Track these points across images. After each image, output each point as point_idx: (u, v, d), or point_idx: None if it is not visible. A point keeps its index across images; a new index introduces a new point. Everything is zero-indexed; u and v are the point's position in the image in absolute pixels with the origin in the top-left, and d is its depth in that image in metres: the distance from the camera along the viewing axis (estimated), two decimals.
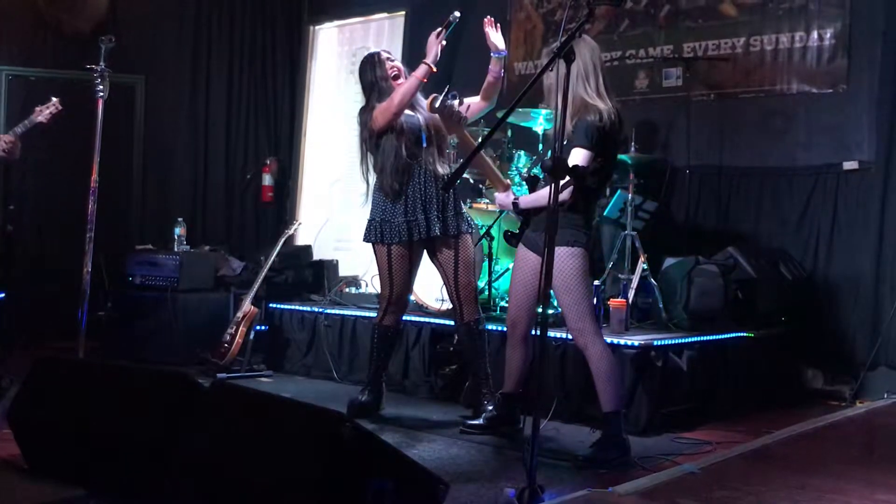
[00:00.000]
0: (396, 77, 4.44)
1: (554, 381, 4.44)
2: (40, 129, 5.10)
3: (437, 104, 4.02)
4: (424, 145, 4.35)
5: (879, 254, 5.29)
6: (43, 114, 4.99)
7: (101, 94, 4.56)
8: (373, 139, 4.36)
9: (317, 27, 8.11)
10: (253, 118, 7.87)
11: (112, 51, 4.71)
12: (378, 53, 4.52)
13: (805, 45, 5.72)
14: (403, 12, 7.35)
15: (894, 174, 5.27)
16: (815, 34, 5.69)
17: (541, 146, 5.64)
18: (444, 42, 4.30)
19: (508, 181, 4.23)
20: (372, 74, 4.42)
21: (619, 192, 5.40)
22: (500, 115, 4.02)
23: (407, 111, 4.35)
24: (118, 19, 7.06)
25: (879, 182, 5.33)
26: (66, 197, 6.50)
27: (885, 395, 4.81)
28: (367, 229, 4.45)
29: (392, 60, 4.49)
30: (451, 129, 4.25)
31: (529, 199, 3.92)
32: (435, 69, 4.28)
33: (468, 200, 5.34)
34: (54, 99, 5.00)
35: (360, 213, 4.77)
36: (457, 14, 4.28)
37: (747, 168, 5.86)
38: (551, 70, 3.40)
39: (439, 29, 4.30)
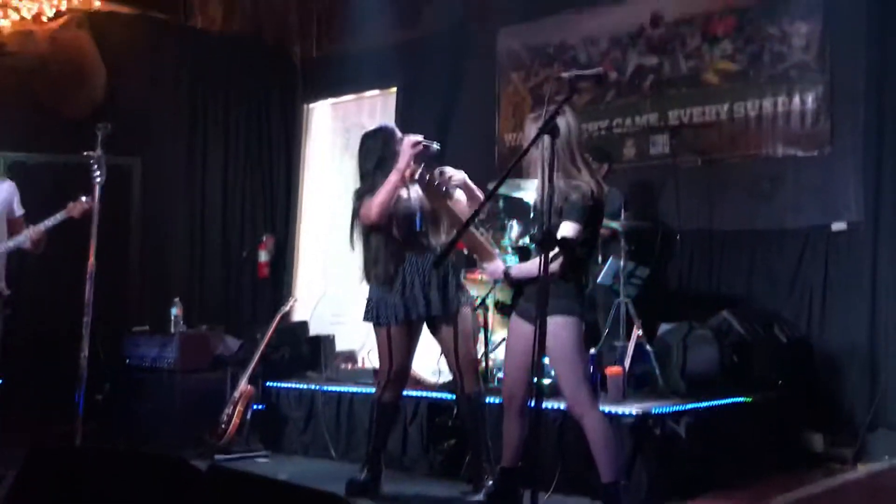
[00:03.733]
0: None
1: (553, 453, 4.41)
2: (68, 223, 5.16)
3: (417, 176, 4.04)
4: (419, 229, 4.35)
5: (873, 314, 5.31)
6: (76, 209, 5.06)
7: (99, 179, 4.62)
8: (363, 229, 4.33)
9: (311, 105, 8.26)
10: (249, 195, 7.97)
11: (108, 134, 4.79)
12: (395, 129, 4.43)
13: (788, 109, 5.82)
14: (395, 89, 7.50)
15: (883, 233, 5.32)
16: (797, 98, 5.80)
17: (532, 215, 5.68)
18: (419, 148, 4.21)
19: (497, 251, 4.23)
20: (388, 148, 4.30)
21: (611, 259, 5.44)
22: (490, 186, 4.10)
23: (401, 194, 4.30)
24: (115, 102, 7.19)
25: (869, 242, 5.38)
26: (64, 279, 6.54)
27: (886, 458, 4.78)
28: (366, 309, 4.43)
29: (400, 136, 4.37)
30: (434, 202, 4.22)
31: (521, 269, 3.94)
32: (407, 175, 4.22)
33: (462, 271, 5.37)
34: (84, 197, 5.06)
35: (356, 286, 4.78)
36: (437, 146, 4.29)
37: (737, 231, 5.92)
38: (536, 146, 3.46)
39: (418, 141, 4.22)
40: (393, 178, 4.20)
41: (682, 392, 4.90)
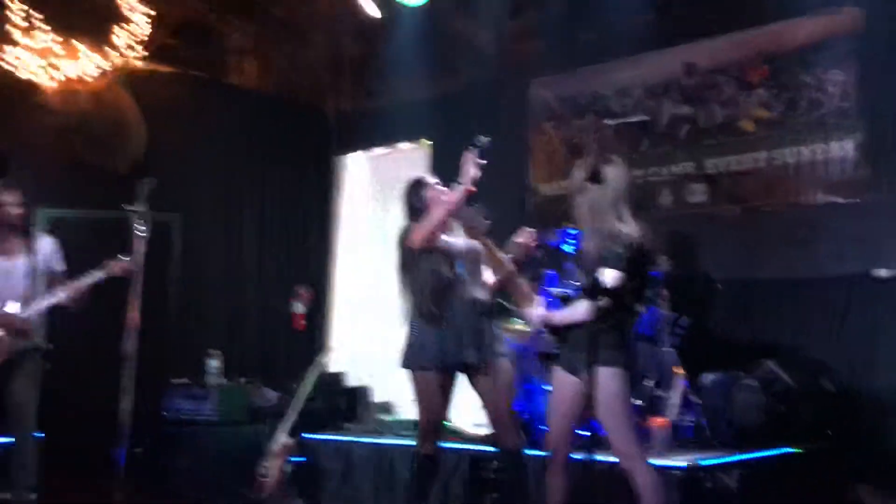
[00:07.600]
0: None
1: None
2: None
3: (461, 213, 4.08)
4: (461, 271, 4.36)
5: None
6: (115, 268, 5.13)
7: (144, 234, 4.66)
8: (412, 259, 4.33)
9: (345, 157, 8.33)
10: (285, 248, 8.03)
11: (152, 189, 4.85)
12: (425, 178, 4.54)
13: (826, 156, 5.78)
14: (430, 143, 7.55)
15: None
16: (834, 145, 5.76)
17: (570, 266, 5.66)
18: (479, 162, 4.25)
19: (538, 298, 4.21)
20: (416, 197, 4.44)
21: (652, 308, 5.40)
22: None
23: (447, 237, 4.34)
24: (154, 158, 7.29)
25: None
26: (103, 334, 6.56)
27: None
28: (403, 354, 4.41)
29: (440, 185, 4.48)
30: (471, 235, 4.28)
31: (562, 316, 3.89)
32: (474, 189, 4.26)
33: (499, 322, 5.33)
34: (126, 258, 5.14)
35: (392, 337, 4.76)
36: (483, 138, 4.29)
37: (778, 280, 5.85)
38: (583, 193, 3.46)
39: (472, 146, 4.27)
40: (454, 193, 4.23)
41: (730, 443, 4.81)
